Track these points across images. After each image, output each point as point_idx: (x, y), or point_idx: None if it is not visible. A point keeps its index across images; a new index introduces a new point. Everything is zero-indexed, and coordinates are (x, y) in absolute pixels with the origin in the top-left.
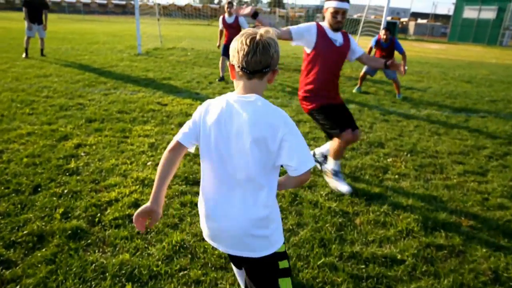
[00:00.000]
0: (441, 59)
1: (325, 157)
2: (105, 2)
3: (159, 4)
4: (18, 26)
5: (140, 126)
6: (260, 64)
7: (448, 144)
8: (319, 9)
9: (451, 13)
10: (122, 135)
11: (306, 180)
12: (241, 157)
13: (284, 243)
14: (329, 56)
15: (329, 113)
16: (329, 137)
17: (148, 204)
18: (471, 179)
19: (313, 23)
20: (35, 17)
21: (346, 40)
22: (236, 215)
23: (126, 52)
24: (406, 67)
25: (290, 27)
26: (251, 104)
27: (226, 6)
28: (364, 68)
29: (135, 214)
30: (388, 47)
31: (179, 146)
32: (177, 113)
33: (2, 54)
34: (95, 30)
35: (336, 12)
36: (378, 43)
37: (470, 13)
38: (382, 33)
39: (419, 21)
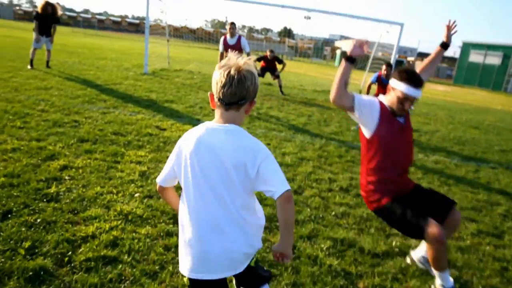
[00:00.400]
0: (447, 102)
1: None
2: (119, 19)
3: (169, 25)
4: (31, 36)
5: (134, 151)
6: (236, 96)
7: (459, 197)
8: (327, 42)
9: (457, 55)
10: (113, 159)
11: (289, 204)
12: (223, 183)
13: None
14: (397, 139)
15: (403, 208)
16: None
17: None
18: (486, 241)
19: (375, 99)
20: (44, 30)
21: (407, 117)
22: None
23: (132, 71)
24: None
25: (355, 93)
26: (229, 132)
27: (229, 26)
28: None
29: None
30: (389, 84)
31: (162, 188)
32: (175, 139)
33: (8, 63)
34: (105, 46)
35: (406, 99)
36: (379, 79)
37: (476, 57)
38: (383, 69)
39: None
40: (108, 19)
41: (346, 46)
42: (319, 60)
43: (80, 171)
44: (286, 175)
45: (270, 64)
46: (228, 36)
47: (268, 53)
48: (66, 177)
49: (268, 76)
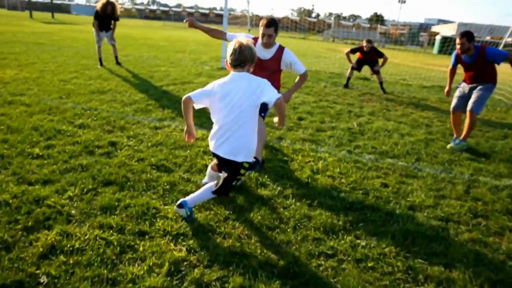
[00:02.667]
0: None
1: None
2: (207, 12)
3: (254, 15)
4: (122, 32)
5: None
6: (238, 61)
7: None
8: (423, 27)
9: None
10: (135, 229)
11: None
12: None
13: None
14: None
15: None
16: None
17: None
18: None
19: None
20: (104, 26)
21: None
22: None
23: (208, 65)
24: None
25: None
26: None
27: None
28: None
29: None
30: (474, 62)
31: (192, 102)
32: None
33: (82, 60)
34: (188, 38)
35: None
36: (458, 59)
37: None
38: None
39: None
40: (197, 12)
41: None
42: (415, 47)
43: (72, 260)
44: None
45: (368, 57)
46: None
47: (364, 44)
48: (42, 280)
49: (365, 71)
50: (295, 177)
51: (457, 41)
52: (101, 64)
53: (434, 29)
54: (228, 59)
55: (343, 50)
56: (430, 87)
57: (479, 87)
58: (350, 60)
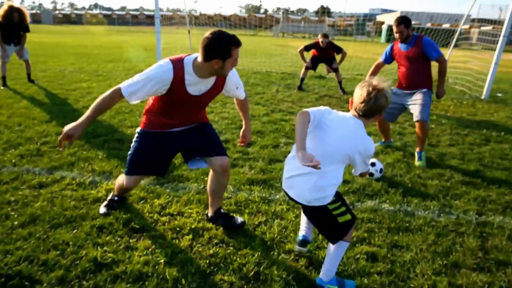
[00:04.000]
0: None
1: None
2: (152, 13)
3: (189, 12)
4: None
5: None
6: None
7: None
8: (367, 17)
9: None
10: None
11: None
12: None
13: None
14: None
15: None
16: None
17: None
18: None
19: None
20: (10, 38)
21: None
22: None
23: None
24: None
25: None
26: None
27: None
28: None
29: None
30: (410, 51)
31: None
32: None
33: None
34: (128, 44)
35: None
36: (394, 52)
37: None
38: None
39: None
40: (141, 14)
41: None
42: (363, 38)
43: None
44: None
45: (325, 53)
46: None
47: (320, 39)
48: None
49: (320, 69)
50: (236, 258)
51: (395, 29)
52: (5, 84)
53: (379, 18)
54: (358, 104)
55: (294, 45)
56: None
57: (417, 93)
58: (304, 59)
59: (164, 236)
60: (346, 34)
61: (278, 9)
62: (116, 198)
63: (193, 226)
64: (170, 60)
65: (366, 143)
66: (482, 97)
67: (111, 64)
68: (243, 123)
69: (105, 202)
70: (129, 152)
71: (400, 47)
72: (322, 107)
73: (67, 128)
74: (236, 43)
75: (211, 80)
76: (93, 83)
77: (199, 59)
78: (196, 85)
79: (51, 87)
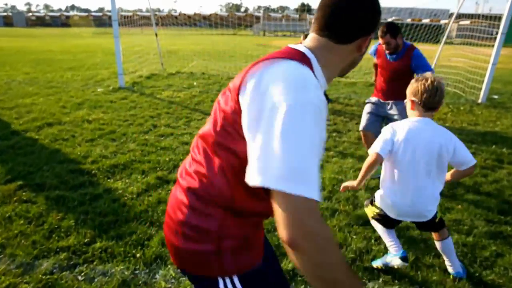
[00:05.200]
0: None
1: None
2: (130, 14)
3: (156, 14)
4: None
5: None
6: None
7: None
8: None
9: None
10: None
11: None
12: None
13: None
14: None
15: None
16: None
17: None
18: None
19: None
20: None
21: None
22: None
23: (104, 85)
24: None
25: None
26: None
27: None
28: None
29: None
30: (398, 62)
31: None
32: None
33: None
34: (99, 47)
35: None
36: (379, 54)
37: None
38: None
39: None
40: (104, 15)
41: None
42: None
43: None
44: None
45: None
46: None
47: (302, 40)
48: None
49: None
50: None
51: (381, 41)
52: None
53: None
54: (420, 99)
55: (276, 45)
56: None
57: (398, 106)
58: None
59: None
60: None
61: (259, 7)
62: None
63: None
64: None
65: (447, 132)
66: (479, 100)
67: (70, 72)
68: None
69: None
70: None
71: (386, 54)
72: (383, 135)
73: None
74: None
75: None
76: (39, 97)
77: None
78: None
79: None
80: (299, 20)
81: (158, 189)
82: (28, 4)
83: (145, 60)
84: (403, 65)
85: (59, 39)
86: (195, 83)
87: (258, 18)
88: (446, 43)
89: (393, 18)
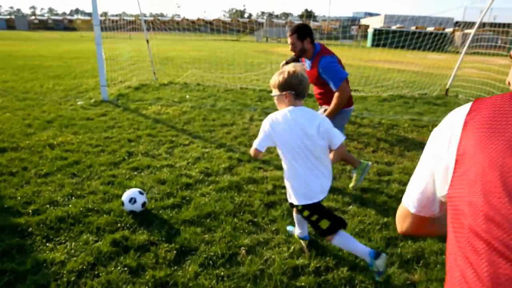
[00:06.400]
0: None
1: None
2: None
3: (146, 19)
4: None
5: None
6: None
7: None
8: (352, 20)
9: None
10: None
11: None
12: None
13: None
14: None
15: None
16: None
17: None
18: None
19: None
20: None
21: None
22: None
23: (86, 97)
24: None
25: None
26: None
27: None
28: None
29: None
30: (310, 70)
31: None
32: None
33: None
34: (94, 53)
35: None
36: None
37: None
38: None
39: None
40: (121, 19)
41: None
42: (349, 42)
43: None
44: None
45: None
46: None
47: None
48: None
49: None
50: None
51: (288, 40)
52: None
53: (363, 22)
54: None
55: (278, 52)
56: (390, 99)
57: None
58: None
59: None
60: (331, 38)
61: (263, 13)
62: None
63: None
64: None
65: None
66: None
67: (53, 81)
68: None
69: None
70: None
71: (305, 61)
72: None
73: None
74: None
75: None
76: (6, 112)
77: None
78: None
79: None
80: None
81: (111, 263)
82: (33, 7)
83: (138, 68)
84: (314, 74)
85: (56, 43)
86: (187, 96)
87: (261, 24)
88: (457, 52)
89: (396, 26)
